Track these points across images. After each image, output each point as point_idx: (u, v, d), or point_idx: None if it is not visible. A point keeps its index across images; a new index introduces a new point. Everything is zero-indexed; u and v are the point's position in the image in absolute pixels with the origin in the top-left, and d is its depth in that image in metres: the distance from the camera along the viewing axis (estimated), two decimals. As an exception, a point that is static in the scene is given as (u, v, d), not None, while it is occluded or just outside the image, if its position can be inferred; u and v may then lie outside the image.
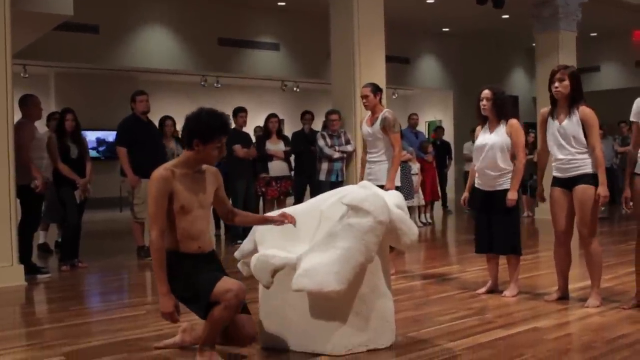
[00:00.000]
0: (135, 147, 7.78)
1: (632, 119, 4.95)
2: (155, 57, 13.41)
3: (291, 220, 4.13)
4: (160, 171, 3.68)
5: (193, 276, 3.71)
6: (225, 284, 3.63)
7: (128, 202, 8.20)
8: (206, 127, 3.68)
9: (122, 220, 12.24)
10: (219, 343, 3.86)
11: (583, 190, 5.04)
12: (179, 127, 11.35)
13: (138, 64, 13.29)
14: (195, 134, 3.69)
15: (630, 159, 5.07)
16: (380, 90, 6.57)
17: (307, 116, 10.02)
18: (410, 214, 10.48)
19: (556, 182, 5.23)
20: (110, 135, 13.25)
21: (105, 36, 12.76)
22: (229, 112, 9.21)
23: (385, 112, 6.41)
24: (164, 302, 3.65)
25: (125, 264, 7.83)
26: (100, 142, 14.15)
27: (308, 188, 9.61)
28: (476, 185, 5.66)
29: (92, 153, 13.87)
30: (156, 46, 13.39)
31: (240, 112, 9.46)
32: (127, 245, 8.91)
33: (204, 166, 3.88)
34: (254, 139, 9.99)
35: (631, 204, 5.09)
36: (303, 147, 9.54)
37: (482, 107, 5.52)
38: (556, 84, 5.09)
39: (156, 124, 8.45)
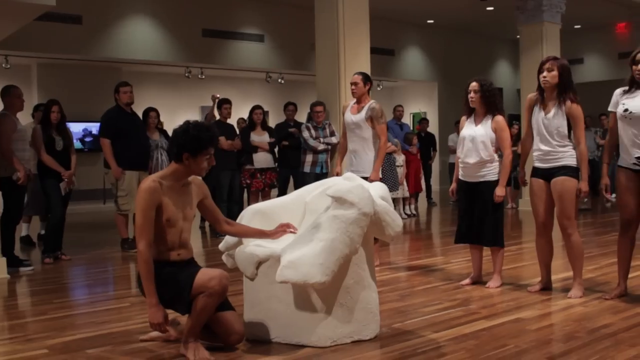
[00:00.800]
0: (119, 138, 7.74)
1: (610, 109, 4.98)
2: (139, 48, 13.31)
3: (294, 230, 4.13)
4: (148, 183, 3.71)
5: (173, 277, 3.74)
6: (206, 273, 3.69)
7: (112, 194, 8.16)
8: (195, 140, 3.73)
9: (106, 212, 12.19)
10: (205, 341, 3.85)
11: (562, 182, 5.07)
12: (163, 118, 11.30)
13: (122, 55, 13.18)
14: (185, 148, 3.73)
15: (609, 147, 5.09)
16: (371, 81, 6.56)
17: (290, 107, 10.01)
18: (395, 206, 10.58)
19: (536, 172, 5.26)
20: (94, 127, 13.16)
21: (88, 27, 12.64)
22: (213, 103, 9.22)
23: (372, 102, 6.41)
24: (153, 313, 3.65)
25: (109, 256, 7.79)
26: (86, 133, 14.06)
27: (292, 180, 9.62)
28: (460, 177, 5.69)
29: (77, 145, 13.81)
30: (140, 37, 13.29)
31: (224, 103, 9.44)
32: (111, 238, 8.88)
33: (190, 177, 3.92)
34: (238, 131, 9.96)
35: (613, 195, 5.13)
36: (286, 138, 9.54)
37: (470, 99, 5.53)
38: (544, 74, 5.11)
39: (140, 115, 8.39)
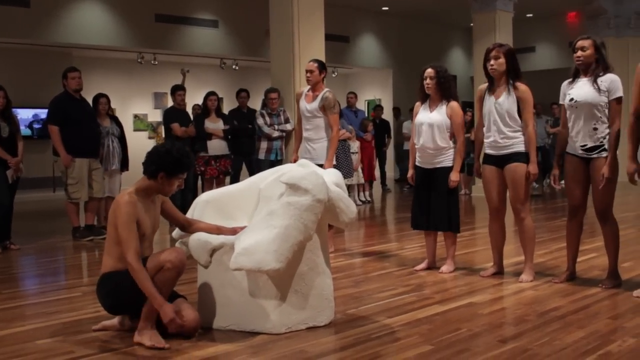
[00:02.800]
0: (68, 125, 7.58)
1: (560, 101, 5.08)
2: (89, 33, 13.02)
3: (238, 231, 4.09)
4: (125, 197, 3.78)
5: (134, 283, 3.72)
6: (159, 254, 3.74)
7: (61, 182, 8.00)
8: (176, 163, 3.82)
9: (56, 200, 11.96)
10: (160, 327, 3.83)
11: (515, 168, 5.16)
12: (115, 104, 11.10)
13: (71, 40, 12.88)
14: (164, 167, 3.80)
15: (560, 138, 5.19)
16: (326, 69, 6.55)
17: (242, 94, 9.93)
18: (350, 193, 10.61)
19: (488, 159, 5.34)
20: (43, 113, 12.88)
21: (36, 10, 12.31)
22: (166, 90, 9.09)
23: (326, 91, 6.39)
24: (164, 312, 3.65)
25: (60, 246, 7.65)
26: (36, 120, 13.76)
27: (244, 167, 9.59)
28: (416, 163, 5.72)
29: (25, 131, 13.49)
30: (91, 21, 13.00)
31: (178, 90, 9.33)
32: (62, 226, 8.73)
33: None
34: (192, 117, 9.85)
35: (562, 182, 5.25)
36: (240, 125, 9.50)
37: (425, 85, 5.55)
38: (492, 62, 5.18)
39: (90, 101, 8.23)
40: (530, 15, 17.65)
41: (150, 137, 16.42)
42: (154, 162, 3.82)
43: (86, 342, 3.84)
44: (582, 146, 4.91)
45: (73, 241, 7.80)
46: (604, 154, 4.84)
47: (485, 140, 5.35)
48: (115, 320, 4.04)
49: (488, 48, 5.29)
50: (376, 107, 14.71)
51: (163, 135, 10.38)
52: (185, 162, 3.85)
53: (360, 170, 11.36)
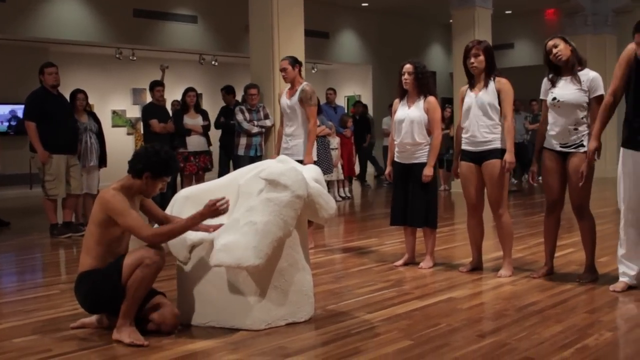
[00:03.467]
0: (45, 121, 7.51)
1: (541, 97, 5.12)
2: (66, 28, 12.88)
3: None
4: (111, 192, 3.78)
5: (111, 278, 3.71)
6: (138, 251, 3.71)
7: (39, 178, 7.91)
8: (163, 164, 3.83)
9: (33, 197, 11.82)
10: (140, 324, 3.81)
11: (493, 165, 5.20)
12: (93, 100, 11.00)
13: (48, 35, 12.73)
14: (150, 167, 3.80)
15: (540, 134, 5.23)
16: (299, 63, 6.54)
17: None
18: (329, 189, 10.62)
19: (466, 156, 5.37)
20: (20, 110, 12.74)
21: (12, 4, 12.15)
22: (145, 85, 9.02)
23: (303, 85, 6.39)
24: (202, 214, 3.75)
25: (38, 243, 7.58)
26: (13, 116, 13.59)
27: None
28: (395, 159, 5.74)
29: (2, 127, 13.35)
30: (68, 16, 12.86)
31: (157, 85, 9.27)
32: (39, 223, 8.64)
33: None
34: (171, 113, 9.79)
35: (540, 178, 5.29)
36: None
37: (404, 81, 5.57)
38: (472, 60, 5.21)
39: (67, 97, 8.15)
40: (509, 12, 17.74)
41: (128, 134, 16.30)
42: (141, 161, 3.82)
43: (64, 340, 3.81)
44: (561, 144, 4.95)
45: (51, 238, 7.73)
46: (582, 150, 4.89)
47: (463, 136, 5.37)
48: (93, 318, 4.01)
49: (467, 46, 5.31)
50: (356, 103, 14.71)
51: (142, 132, 10.31)
52: (172, 165, 3.88)
53: (340, 166, 11.37)
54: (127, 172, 3.88)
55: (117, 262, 3.71)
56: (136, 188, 3.86)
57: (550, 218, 5.18)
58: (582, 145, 4.89)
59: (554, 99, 4.95)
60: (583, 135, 4.91)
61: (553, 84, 5.02)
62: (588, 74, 4.92)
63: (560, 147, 4.96)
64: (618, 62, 4.64)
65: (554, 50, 4.93)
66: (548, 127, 5.05)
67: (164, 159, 3.83)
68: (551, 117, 5.02)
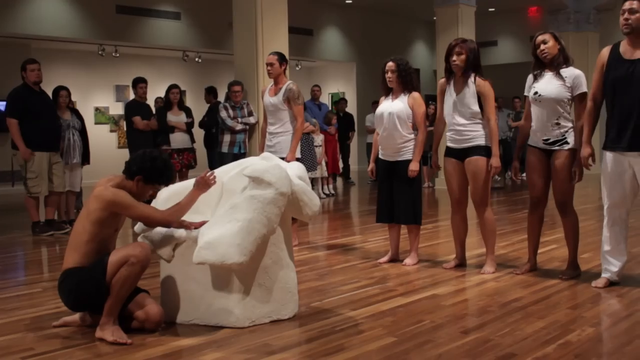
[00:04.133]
0: (27, 118, 7.45)
1: (525, 93, 5.13)
2: (48, 24, 12.78)
3: (198, 226, 4.04)
4: (111, 189, 3.79)
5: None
6: (123, 249, 3.70)
7: (21, 176, 7.85)
8: (157, 172, 3.88)
9: (15, 195, 11.73)
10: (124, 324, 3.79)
11: (475, 162, 5.21)
12: (76, 97, 10.93)
13: (30, 31, 12.63)
14: (143, 171, 3.84)
15: (522, 131, 5.25)
16: (286, 61, 6.53)
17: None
18: (313, 186, 10.62)
19: (449, 152, 5.38)
20: (1, 106, 12.62)
21: (-7, 1, 12.08)
22: (128, 82, 8.98)
23: (289, 83, 6.38)
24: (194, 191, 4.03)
25: (20, 241, 7.52)
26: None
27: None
28: (379, 156, 5.74)
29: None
30: (50, 12, 12.77)
31: (139, 82, 9.23)
32: (21, 221, 8.57)
33: None
34: (154, 111, 9.75)
35: (524, 174, 5.30)
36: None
37: (387, 79, 5.57)
38: (454, 57, 5.22)
39: (50, 94, 8.09)
40: (493, 9, 17.83)
41: (111, 131, 16.22)
42: (137, 163, 3.85)
43: (47, 339, 3.79)
44: (544, 140, 4.98)
45: (33, 236, 7.67)
46: (566, 147, 4.91)
47: (446, 134, 5.39)
48: (76, 316, 3.98)
49: (450, 43, 5.32)
50: (339, 100, 14.72)
51: (125, 129, 10.25)
52: (166, 174, 3.91)
53: (324, 163, 11.37)
54: (122, 172, 3.91)
55: (102, 260, 3.68)
56: (127, 189, 3.86)
57: (534, 215, 5.19)
58: (567, 142, 4.91)
59: (536, 92, 4.94)
60: (566, 132, 4.92)
61: (536, 78, 5.03)
62: (572, 71, 4.93)
63: (544, 144, 4.98)
64: (595, 66, 4.68)
65: (542, 47, 4.93)
66: (532, 124, 5.07)
67: (159, 166, 3.86)
68: (533, 112, 5.03)
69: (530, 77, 5.09)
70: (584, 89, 4.90)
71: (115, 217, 3.83)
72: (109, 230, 3.82)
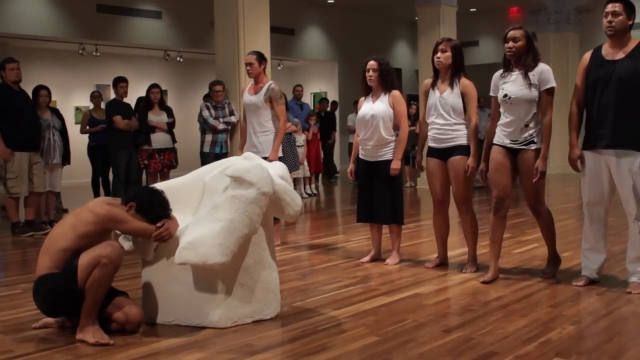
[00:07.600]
0: (7, 118, 7.37)
1: (491, 93, 5.02)
2: (28, 23, 12.66)
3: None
4: (105, 205, 3.80)
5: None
6: (93, 250, 3.63)
7: (0, 176, 7.77)
8: (150, 204, 3.84)
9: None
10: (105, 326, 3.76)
11: (457, 161, 5.22)
12: (56, 97, 10.83)
13: (9, 30, 12.49)
14: (140, 204, 3.84)
15: (490, 132, 5.08)
16: (265, 59, 6.52)
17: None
18: (296, 186, 10.61)
19: (432, 152, 5.39)
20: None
21: (-29, -1, 11.95)
22: (108, 82, 8.90)
23: (271, 83, 6.37)
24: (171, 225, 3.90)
25: (-1, 241, 7.46)
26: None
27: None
28: (360, 156, 5.74)
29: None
30: (29, 11, 12.65)
31: (120, 82, 9.17)
32: (0, 222, 8.48)
33: None
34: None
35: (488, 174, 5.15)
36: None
37: (368, 78, 5.57)
38: (438, 55, 5.23)
39: (30, 93, 8.02)
40: (474, 9, 17.90)
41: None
42: (135, 191, 3.92)
43: (26, 341, 3.75)
44: (512, 140, 4.86)
45: (12, 237, 7.60)
46: (533, 147, 4.80)
47: (428, 134, 5.39)
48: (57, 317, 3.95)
49: (437, 41, 5.33)
50: (321, 100, 14.72)
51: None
52: (157, 213, 3.84)
53: (306, 163, 11.37)
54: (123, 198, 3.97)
55: (71, 264, 3.62)
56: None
57: (497, 217, 4.95)
58: (533, 142, 4.80)
59: (505, 95, 4.82)
60: (534, 132, 4.80)
61: (503, 77, 4.90)
62: (539, 67, 4.79)
63: (511, 143, 4.87)
64: (577, 71, 4.69)
65: (510, 44, 4.80)
66: (499, 123, 4.94)
67: (155, 200, 3.87)
68: (503, 113, 4.90)
69: (496, 76, 4.97)
70: (552, 84, 4.76)
71: (103, 234, 3.78)
72: (90, 244, 3.71)
